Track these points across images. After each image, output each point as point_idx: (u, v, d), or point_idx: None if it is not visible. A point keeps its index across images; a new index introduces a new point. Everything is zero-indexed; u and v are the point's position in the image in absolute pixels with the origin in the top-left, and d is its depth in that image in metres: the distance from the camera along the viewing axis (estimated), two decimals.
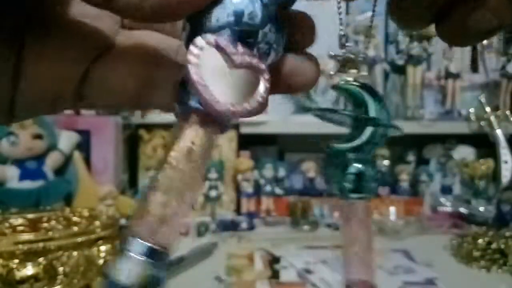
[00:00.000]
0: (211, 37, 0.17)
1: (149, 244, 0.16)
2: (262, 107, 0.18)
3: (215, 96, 0.17)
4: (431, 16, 0.18)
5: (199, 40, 0.17)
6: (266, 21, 0.18)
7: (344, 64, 0.29)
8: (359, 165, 0.27)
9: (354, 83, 0.28)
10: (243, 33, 0.18)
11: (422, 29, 0.21)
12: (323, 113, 0.31)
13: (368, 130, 0.26)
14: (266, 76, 0.18)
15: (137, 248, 0.16)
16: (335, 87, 0.29)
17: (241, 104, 0.18)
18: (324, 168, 0.32)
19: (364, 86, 0.28)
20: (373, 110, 0.27)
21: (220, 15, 0.18)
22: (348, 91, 0.29)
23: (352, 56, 0.28)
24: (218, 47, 0.18)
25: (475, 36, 0.18)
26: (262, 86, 0.18)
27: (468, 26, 0.18)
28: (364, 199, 0.28)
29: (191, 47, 0.17)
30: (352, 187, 0.27)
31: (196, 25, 0.18)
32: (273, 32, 0.19)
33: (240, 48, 0.18)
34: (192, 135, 0.17)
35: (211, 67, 0.18)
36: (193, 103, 0.18)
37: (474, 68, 1.09)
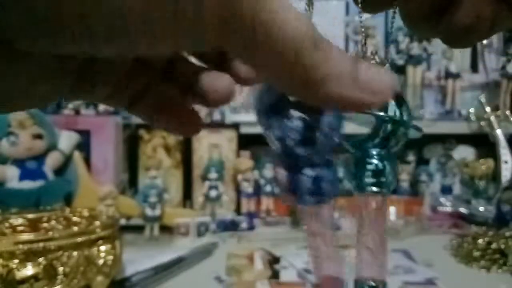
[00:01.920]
0: None
1: None
2: None
3: None
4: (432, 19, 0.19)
5: None
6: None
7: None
8: (378, 161, 0.28)
9: None
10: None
11: (432, 35, 0.21)
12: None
13: (388, 127, 0.27)
14: None
15: None
16: None
17: None
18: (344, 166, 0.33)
19: None
20: (392, 110, 0.27)
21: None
22: None
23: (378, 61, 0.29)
24: None
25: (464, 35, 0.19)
26: None
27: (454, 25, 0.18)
28: (381, 194, 0.28)
29: None
30: (370, 182, 0.27)
31: None
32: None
33: None
34: None
35: None
36: None
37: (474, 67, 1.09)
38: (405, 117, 0.27)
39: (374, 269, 0.29)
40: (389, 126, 0.27)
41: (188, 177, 0.95)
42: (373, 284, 0.28)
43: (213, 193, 0.89)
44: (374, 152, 0.28)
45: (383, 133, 0.27)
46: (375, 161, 0.28)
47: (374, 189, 0.28)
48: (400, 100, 0.27)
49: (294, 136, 0.22)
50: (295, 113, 0.21)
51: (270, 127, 0.22)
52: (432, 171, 1.04)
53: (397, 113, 0.27)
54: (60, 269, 0.45)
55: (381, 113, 0.27)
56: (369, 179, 0.28)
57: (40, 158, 0.66)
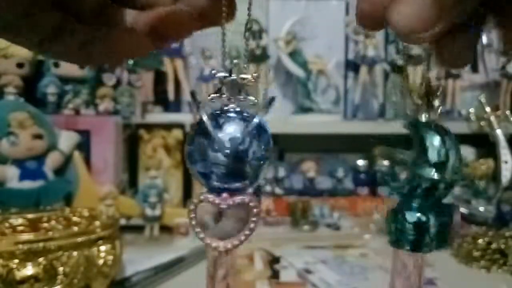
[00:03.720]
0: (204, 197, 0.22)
1: None
2: (249, 237, 0.22)
3: (208, 240, 0.22)
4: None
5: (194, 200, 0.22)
6: (252, 141, 0.21)
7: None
8: (419, 214, 0.23)
9: (432, 124, 0.24)
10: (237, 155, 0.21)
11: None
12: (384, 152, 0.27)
13: (423, 185, 0.23)
14: (253, 205, 0.22)
15: None
16: (411, 124, 0.25)
17: (230, 241, 0.22)
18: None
19: (440, 130, 0.24)
20: (434, 153, 0.23)
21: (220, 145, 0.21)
22: (418, 136, 0.25)
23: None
24: (207, 201, 0.22)
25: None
26: (249, 221, 0.22)
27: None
28: (419, 254, 0.23)
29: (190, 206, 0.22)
30: (409, 239, 0.23)
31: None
32: (259, 147, 0.22)
33: (226, 194, 0.22)
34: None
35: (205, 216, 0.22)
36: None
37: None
38: (448, 171, 0.23)
39: None
40: (424, 185, 0.23)
41: (188, 177, 0.95)
42: None
43: None
44: (415, 203, 0.23)
45: (420, 189, 0.23)
46: (417, 214, 0.23)
47: (410, 248, 0.23)
48: (444, 138, 0.23)
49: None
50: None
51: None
52: None
53: (442, 154, 0.23)
54: (60, 269, 0.45)
55: (426, 174, 0.23)
56: (407, 236, 0.23)
57: (40, 158, 0.66)
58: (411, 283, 0.24)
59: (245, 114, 0.22)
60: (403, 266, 0.24)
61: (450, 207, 0.24)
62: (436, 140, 0.23)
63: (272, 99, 0.23)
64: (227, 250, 0.22)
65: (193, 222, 0.22)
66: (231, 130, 0.21)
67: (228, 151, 0.21)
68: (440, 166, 0.22)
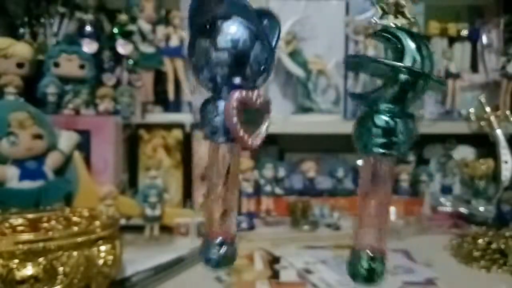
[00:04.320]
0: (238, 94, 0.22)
1: None
2: (261, 141, 0.24)
3: (242, 134, 0.23)
4: None
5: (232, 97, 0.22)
6: (254, 43, 0.22)
7: (389, 9, 0.25)
8: (389, 118, 0.23)
9: (395, 26, 0.24)
10: (239, 55, 0.22)
11: None
12: (358, 62, 0.27)
13: (402, 78, 0.23)
14: (268, 109, 0.23)
15: None
16: (376, 33, 0.25)
17: (251, 138, 0.23)
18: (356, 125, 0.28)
19: (406, 31, 0.23)
20: (410, 57, 0.23)
21: (221, 40, 0.22)
22: (387, 36, 0.24)
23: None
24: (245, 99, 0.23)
25: None
26: (264, 126, 0.23)
27: None
28: (388, 157, 0.24)
29: (231, 102, 0.22)
30: (378, 142, 0.24)
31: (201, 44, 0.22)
32: (262, 53, 0.23)
33: (256, 93, 0.23)
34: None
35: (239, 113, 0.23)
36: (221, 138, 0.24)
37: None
38: (426, 67, 0.23)
39: (373, 237, 0.26)
40: (404, 78, 0.23)
41: (188, 177, 0.95)
42: (371, 254, 0.26)
43: None
44: (385, 107, 0.24)
45: (398, 85, 0.23)
46: (385, 117, 0.23)
47: (382, 150, 0.24)
48: (420, 46, 0.23)
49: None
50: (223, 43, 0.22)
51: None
52: (432, 171, 1.04)
53: (418, 59, 0.23)
54: (60, 269, 0.45)
55: (396, 63, 0.23)
56: (377, 139, 0.24)
57: (40, 158, 0.66)
58: (385, 187, 0.24)
59: (248, 16, 0.23)
60: (375, 170, 0.24)
61: (414, 117, 0.24)
62: (412, 45, 0.23)
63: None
64: (254, 145, 0.24)
65: (235, 119, 0.22)
66: (234, 30, 0.22)
67: (231, 48, 0.22)
68: (413, 73, 0.23)
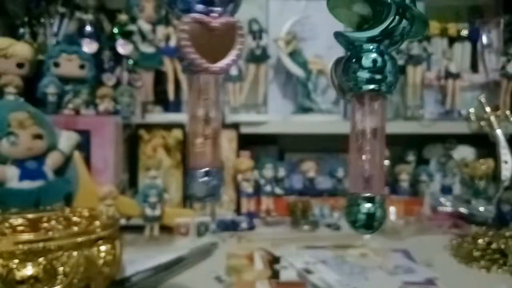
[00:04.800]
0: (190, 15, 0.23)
1: None
2: (240, 57, 0.24)
3: (198, 59, 0.22)
4: None
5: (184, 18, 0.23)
6: None
7: None
8: (376, 56, 0.24)
9: None
10: None
11: None
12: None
13: (389, 18, 0.23)
14: (240, 25, 0.23)
15: None
16: None
17: (218, 63, 0.23)
18: (333, 68, 0.29)
19: None
20: None
21: None
22: None
23: None
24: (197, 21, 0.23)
25: None
26: (234, 51, 0.23)
27: None
28: (378, 92, 0.24)
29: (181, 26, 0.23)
30: (366, 79, 0.24)
31: None
32: None
33: (214, 13, 0.23)
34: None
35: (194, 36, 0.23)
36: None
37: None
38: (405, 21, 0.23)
39: (368, 180, 0.25)
40: (392, 11, 0.23)
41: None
42: (368, 195, 0.25)
43: None
44: (371, 46, 0.24)
45: (384, 21, 0.23)
46: (373, 55, 0.24)
47: (372, 86, 0.24)
48: None
49: None
50: None
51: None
52: (432, 171, 1.04)
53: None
54: (60, 269, 0.45)
55: None
56: (364, 75, 0.24)
57: (40, 158, 0.66)
58: (380, 126, 0.24)
59: None
60: (369, 107, 0.24)
61: (396, 60, 0.25)
62: None
63: None
64: (219, 71, 0.23)
65: (185, 43, 0.23)
66: None
67: None
68: (400, 9, 0.23)
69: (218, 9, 0.23)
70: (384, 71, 0.23)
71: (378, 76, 0.23)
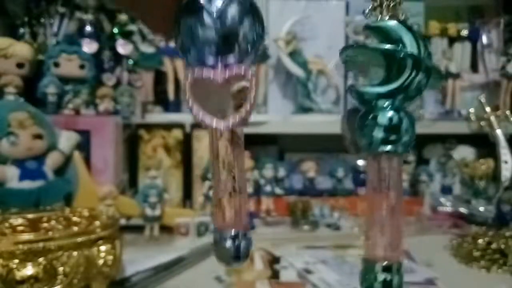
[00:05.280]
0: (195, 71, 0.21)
1: None
2: (250, 113, 0.21)
3: (208, 118, 0.21)
4: None
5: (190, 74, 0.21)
6: (243, 18, 0.20)
7: (381, 3, 0.24)
8: (393, 114, 0.22)
9: (389, 19, 0.23)
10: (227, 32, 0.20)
11: None
12: (353, 52, 0.24)
13: (406, 73, 0.21)
14: (250, 77, 0.21)
15: None
16: (367, 26, 0.24)
17: (231, 117, 0.21)
18: (344, 121, 0.27)
19: (401, 22, 0.22)
20: (410, 46, 0.22)
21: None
22: (381, 29, 0.23)
23: None
24: (202, 76, 0.21)
25: None
26: (248, 95, 0.21)
27: None
28: (396, 154, 0.23)
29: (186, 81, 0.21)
30: (382, 139, 0.22)
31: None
32: (252, 30, 0.21)
33: (220, 66, 0.21)
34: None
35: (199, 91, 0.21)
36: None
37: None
38: (426, 61, 0.22)
39: (387, 247, 0.23)
40: (408, 63, 0.21)
41: (188, 177, 0.95)
42: (386, 264, 0.23)
43: None
44: (386, 103, 0.22)
45: (398, 74, 0.21)
46: (389, 113, 0.22)
47: (388, 148, 0.22)
48: (418, 39, 0.22)
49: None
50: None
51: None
52: (432, 171, 1.04)
53: (417, 50, 0.22)
54: (60, 269, 0.45)
55: (396, 47, 0.22)
56: (380, 136, 0.22)
57: (40, 158, 0.66)
58: (396, 188, 0.23)
59: None
60: (380, 170, 0.23)
61: (413, 116, 0.23)
62: (410, 37, 0.22)
63: None
64: (227, 129, 0.21)
65: (190, 102, 0.21)
66: (219, 3, 0.20)
67: (217, 22, 0.20)
68: (416, 63, 0.21)
69: (231, 59, 0.20)
70: (400, 130, 0.22)
71: (396, 136, 0.22)
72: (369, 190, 0.23)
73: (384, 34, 0.23)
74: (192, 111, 0.21)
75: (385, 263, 0.23)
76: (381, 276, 0.23)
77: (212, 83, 0.21)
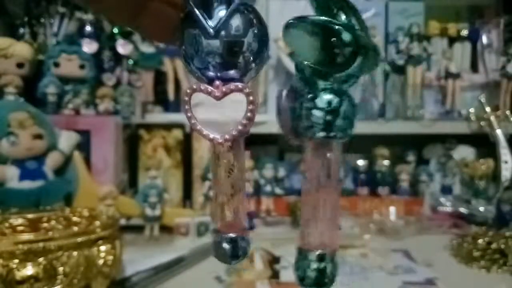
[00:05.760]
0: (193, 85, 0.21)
1: None
2: (249, 126, 0.21)
3: (205, 132, 0.21)
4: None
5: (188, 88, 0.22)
6: (248, 30, 0.20)
7: None
8: (332, 97, 0.21)
9: None
10: (232, 43, 0.20)
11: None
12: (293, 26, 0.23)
13: (346, 39, 0.20)
14: (248, 92, 0.21)
15: None
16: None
17: (231, 131, 0.21)
18: (280, 99, 0.26)
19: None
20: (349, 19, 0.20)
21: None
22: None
23: None
24: (200, 90, 0.21)
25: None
26: (246, 109, 0.21)
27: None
28: (335, 139, 0.21)
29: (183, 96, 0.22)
30: (321, 125, 0.21)
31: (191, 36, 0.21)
32: (256, 42, 0.21)
33: (219, 82, 0.21)
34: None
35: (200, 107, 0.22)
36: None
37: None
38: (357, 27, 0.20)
39: (323, 235, 0.23)
40: (348, 38, 0.20)
41: (188, 177, 0.95)
42: (320, 252, 0.23)
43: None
44: (323, 85, 0.21)
45: (341, 54, 0.20)
46: (327, 96, 0.20)
47: (326, 133, 0.21)
48: (346, 8, 0.21)
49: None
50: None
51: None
52: (432, 171, 1.04)
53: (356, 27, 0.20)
54: (60, 269, 0.45)
55: (332, 20, 0.20)
56: (318, 120, 0.20)
57: (40, 158, 0.66)
58: (335, 176, 0.22)
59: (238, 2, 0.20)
60: (319, 155, 0.22)
61: (353, 98, 0.21)
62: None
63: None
64: (225, 142, 0.21)
65: (189, 114, 0.22)
66: (222, 14, 0.20)
67: (221, 33, 0.19)
68: (356, 34, 0.20)
69: (232, 73, 0.20)
70: (339, 114, 0.20)
71: (335, 120, 0.20)
72: (306, 177, 0.23)
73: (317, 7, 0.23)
74: (190, 123, 0.22)
75: (319, 251, 0.23)
76: (314, 265, 0.23)
77: (212, 96, 0.21)
